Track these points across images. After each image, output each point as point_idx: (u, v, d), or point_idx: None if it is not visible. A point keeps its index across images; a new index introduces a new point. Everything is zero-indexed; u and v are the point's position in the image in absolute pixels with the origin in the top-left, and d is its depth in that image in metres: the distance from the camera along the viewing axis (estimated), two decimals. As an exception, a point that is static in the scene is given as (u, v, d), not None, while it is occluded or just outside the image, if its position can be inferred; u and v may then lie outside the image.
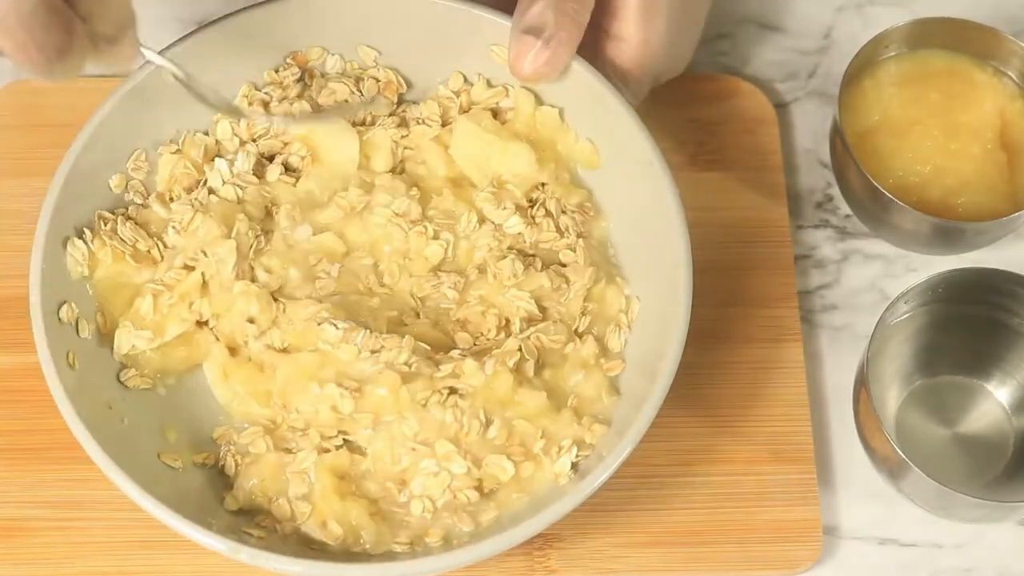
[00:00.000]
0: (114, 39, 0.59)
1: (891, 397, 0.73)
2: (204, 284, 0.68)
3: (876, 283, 0.78)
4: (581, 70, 0.69)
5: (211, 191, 0.69)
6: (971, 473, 0.71)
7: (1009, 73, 0.75)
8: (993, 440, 0.72)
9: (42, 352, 0.63)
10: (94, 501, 0.69)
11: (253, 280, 0.68)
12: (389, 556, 0.64)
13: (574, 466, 0.65)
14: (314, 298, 0.68)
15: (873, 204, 0.73)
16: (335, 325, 0.66)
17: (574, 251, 0.70)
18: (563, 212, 0.71)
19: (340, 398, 0.65)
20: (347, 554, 0.64)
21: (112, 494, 0.61)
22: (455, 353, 0.67)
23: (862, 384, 0.68)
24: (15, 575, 0.68)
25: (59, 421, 0.62)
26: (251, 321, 0.68)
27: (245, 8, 0.70)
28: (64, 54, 0.57)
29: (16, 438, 0.70)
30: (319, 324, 0.66)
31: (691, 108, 0.80)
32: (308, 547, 0.64)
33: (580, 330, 0.69)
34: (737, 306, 0.75)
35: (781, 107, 0.82)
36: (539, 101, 0.72)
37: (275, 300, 0.68)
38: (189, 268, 0.68)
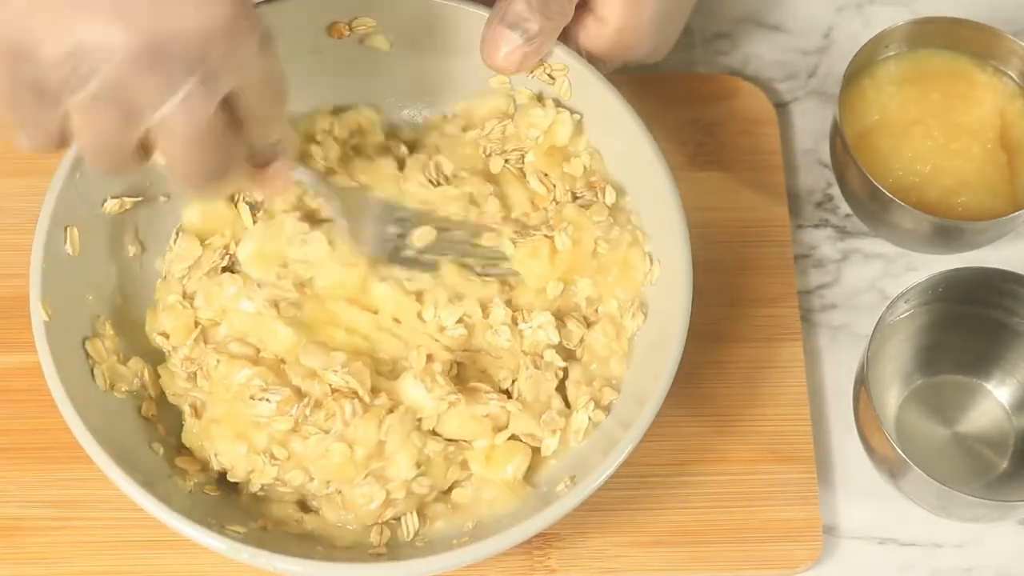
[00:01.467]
0: (267, 162, 0.60)
1: (891, 397, 0.73)
2: None
3: (876, 282, 0.77)
4: (581, 69, 0.69)
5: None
6: (971, 472, 0.71)
7: (1009, 73, 0.75)
8: (993, 439, 0.72)
9: (42, 351, 0.63)
10: (94, 500, 0.69)
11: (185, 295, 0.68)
12: (392, 554, 0.64)
13: (592, 425, 0.66)
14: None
15: (873, 204, 0.73)
16: (268, 399, 0.64)
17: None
18: (575, 196, 0.71)
19: (264, 465, 0.65)
20: (346, 551, 0.65)
21: (112, 493, 0.61)
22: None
23: (862, 384, 0.68)
24: (15, 574, 0.68)
25: (59, 420, 0.62)
26: (164, 335, 0.68)
27: None
28: (224, 175, 0.57)
29: (16, 437, 0.70)
30: (251, 397, 0.65)
31: (691, 108, 0.80)
32: (308, 545, 0.64)
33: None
34: (737, 306, 0.75)
35: (781, 107, 0.81)
36: (541, 99, 0.72)
37: (205, 341, 0.67)
38: None
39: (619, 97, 0.69)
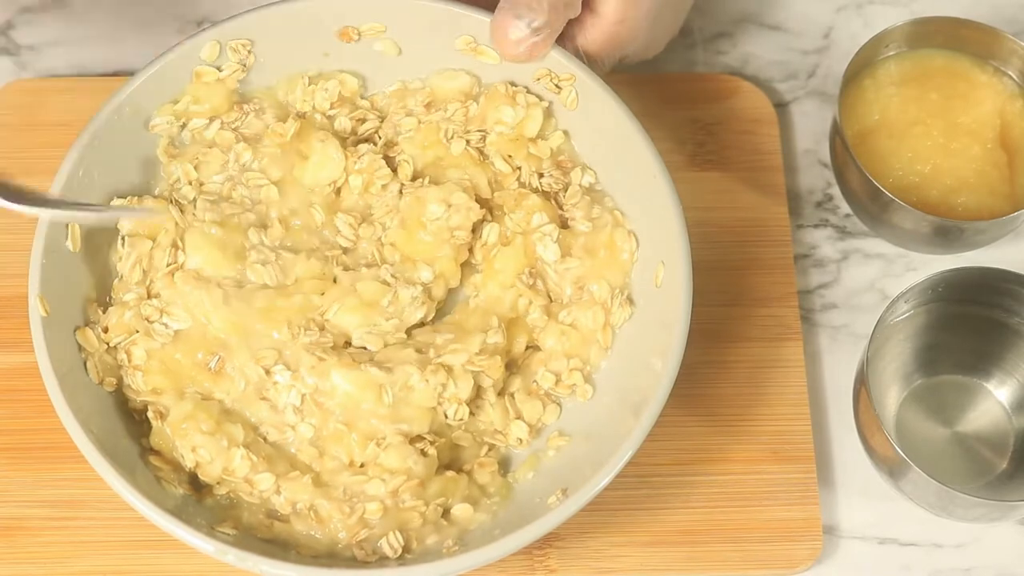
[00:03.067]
0: None
1: (891, 396, 0.73)
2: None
3: (876, 282, 0.77)
4: (583, 77, 0.70)
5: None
6: (971, 472, 0.71)
7: (1009, 73, 0.75)
8: (993, 439, 0.72)
9: (39, 348, 0.63)
10: (94, 500, 0.69)
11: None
12: (380, 562, 0.64)
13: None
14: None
15: (873, 203, 0.73)
16: (251, 459, 0.65)
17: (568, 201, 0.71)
18: (541, 176, 0.72)
19: (241, 460, 0.65)
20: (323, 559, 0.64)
21: (111, 493, 0.61)
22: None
23: (862, 383, 0.68)
24: (15, 574, 0.68)
25: (58, 420, 0.62)
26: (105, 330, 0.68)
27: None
28: None
29: (16, 437, 0.70)
30: (230, 449, 0.65)
31: (691, 108, 0.80)
32: (286, 550, 0.64)
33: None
34: (737, 305, 0.75)
35: (781, 107, 0.81)
36: (551, 111, 0.72)
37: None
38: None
39: (621, 104, 0.69)
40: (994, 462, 0.72)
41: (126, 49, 0.82)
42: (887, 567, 0.71)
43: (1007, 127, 0.75)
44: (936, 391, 0.73)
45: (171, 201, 0.69)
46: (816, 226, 0.79)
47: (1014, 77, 0.75)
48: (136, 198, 0.69)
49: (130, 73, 0.71)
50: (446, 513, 0.66)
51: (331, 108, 0.73)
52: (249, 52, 0.71)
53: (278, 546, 0.64)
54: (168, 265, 0.67)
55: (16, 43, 0.82)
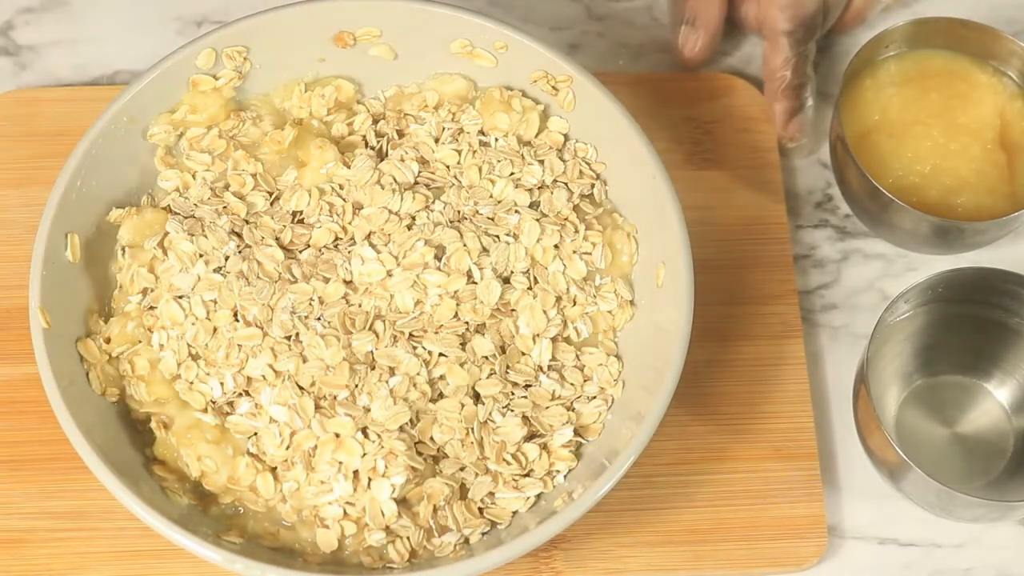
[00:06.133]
0: None
1: (891, 397, 0.73)
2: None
3: (876, 283, 0.77)
4: (586, 82, 0.69)
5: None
6: (971, 473, 0.72)
7: (1009, 73, 0.75)
8: (993, 440, 0.72)
9: (41, 363, 0.63)
10: (99, 511, 0.69)
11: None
12: (387, 569, 0.64)
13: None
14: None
15: (873, 204, 0.73)
16: (256, 467, 0.65)
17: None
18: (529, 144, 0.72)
19: (246, 468, 0.65)
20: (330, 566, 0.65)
21: (116, 504, 0.61)
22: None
23: (862, 383, 0.68)
24: (20, 586, 0.68)
25: (62, 431, 0.62)
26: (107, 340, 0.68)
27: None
28: None
29: (19, 449, 0.70)
30: (235, 458, 0.65)
31: (687, 106, 0.80)
32: (290, 558, 0.65)
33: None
34: (737, 304, 0.75)
35: (781, 107, 0.81)
36: (547, 113, 0.72)
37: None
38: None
39: (622, 110, 0.69)
40: (994, 462, 0.72)
41: (126, 49, 0.81)
42: (887, 567, 0.71)
43: (1007, 127, 0.75)
44: (936, 391, 0.73)
45: (169, 210, 0.69)
46: (816, 226, 0.79)
47: (1013, 77, 0.75)
48: (134, 207, 0.69)
49: (130, 73, 0.71)
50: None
51: (328, 114, 0.72)
52: (245, 59, 0.71)
53: (285, 554, 0.64)
54: (166, 275, 0.67)
55: (16, 43, 0.82)
